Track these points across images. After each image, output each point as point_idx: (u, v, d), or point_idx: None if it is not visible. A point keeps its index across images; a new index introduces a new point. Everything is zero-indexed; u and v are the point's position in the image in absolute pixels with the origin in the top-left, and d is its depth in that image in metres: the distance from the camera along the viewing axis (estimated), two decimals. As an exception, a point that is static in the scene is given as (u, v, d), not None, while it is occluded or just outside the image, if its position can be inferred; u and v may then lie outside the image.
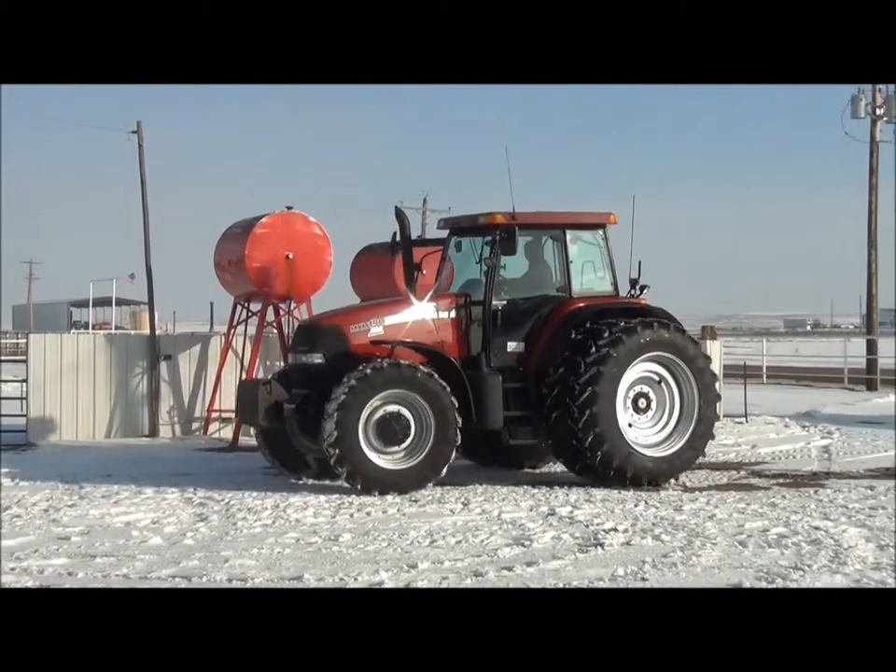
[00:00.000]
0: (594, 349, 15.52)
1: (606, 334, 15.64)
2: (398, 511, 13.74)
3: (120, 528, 12.71)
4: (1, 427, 20.85)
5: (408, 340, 15.83)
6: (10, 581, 9.94)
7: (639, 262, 16.86)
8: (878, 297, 37.92)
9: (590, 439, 15.43)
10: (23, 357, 23.16)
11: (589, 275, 16.84)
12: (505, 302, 16.19)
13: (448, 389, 15.16)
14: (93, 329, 62.93)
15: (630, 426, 15.96)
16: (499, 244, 15.83)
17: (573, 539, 11.91)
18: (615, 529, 12.31)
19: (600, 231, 16.89)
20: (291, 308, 22.49)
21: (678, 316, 16.72)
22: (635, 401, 16.08)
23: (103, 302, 75.97)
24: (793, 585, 9.75)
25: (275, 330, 22.80)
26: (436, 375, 15.18)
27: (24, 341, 26.57)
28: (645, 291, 16.90)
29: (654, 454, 16.00)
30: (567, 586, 9.79)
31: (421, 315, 16.15)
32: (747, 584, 9.82)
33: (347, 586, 9.83)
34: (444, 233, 17.64)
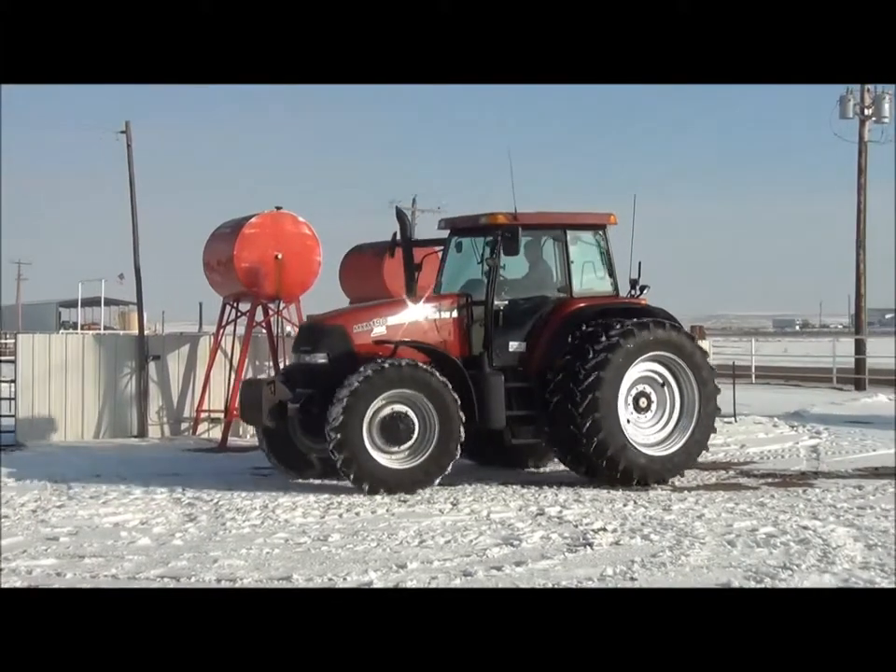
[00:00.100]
0: (604, 338, 15.68)
1: (618, 326, 15.81)
2: (387, 511, 13.74)
3: (109, 529, 12.69)
4: (-10, 427, 20.82)
5: (411, 339, 15.91)
6: (-2, 581, 9.93)
7: (639, 263, 17.03)
8: (867, 297, 38.01)
9: (588, 424, 15.49)
10: (12, 358, 23.11)
11: (589, 276, 16.97)
12: (507, 302, 16.30)
13: (450, 387, 15.23)
14: (82, 329, 62.74)
15: (629, 422, 16.05)
16: (502, 244, 15.92)
17: (562, 538, 11.91)
18: (604, 529, 12.32)
19: (600, 232, 17.02)
20: (280, 308, 22.51)
21: (668, 317, 16.77)
22: (636, 400, 16.19)
23: (91, 303, 75.75)
24: (782, 585, 9.76)
25: (264, 331, 22.79)
26: (438, 373, 15.26)
27: (13, 341, 26.51)
28: (645, 292, 17.04)
29: (653, 452, 16.10)
30: (556, 586, 9.80)
31: (423, 314, 16.25)
32: (735, 584, 9.83)
33: (336, 586, 9.82)
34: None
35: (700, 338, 26.31)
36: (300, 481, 16.08)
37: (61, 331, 55.53)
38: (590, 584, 9.88)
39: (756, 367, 41.00)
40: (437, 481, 15.26)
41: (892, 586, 9.71)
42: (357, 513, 13.57)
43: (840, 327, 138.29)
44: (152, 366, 22.53)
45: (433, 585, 9.88)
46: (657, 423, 16.37)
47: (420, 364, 15.34)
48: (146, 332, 23.73)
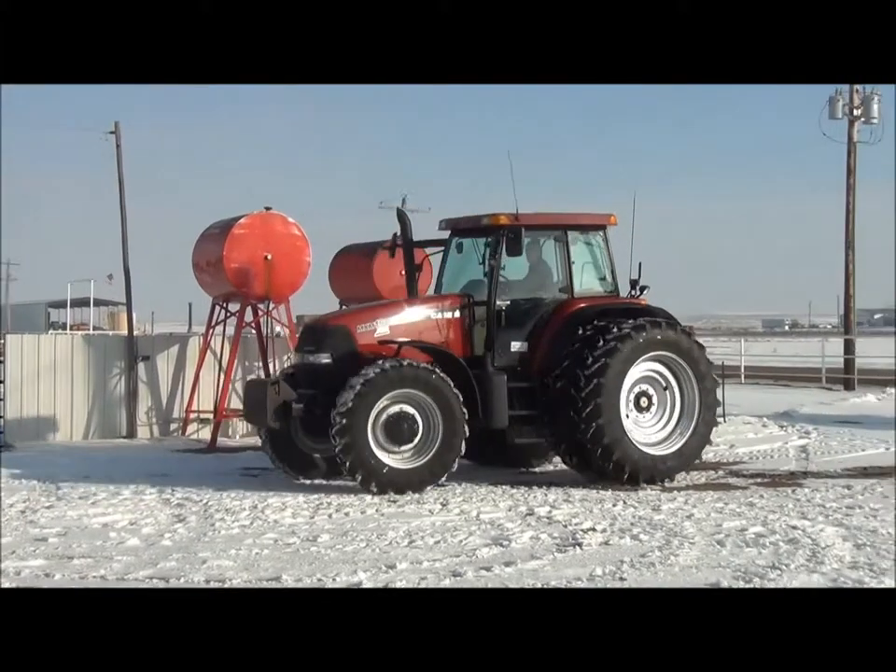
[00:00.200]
0: (601, 342, 15.77)
1: (615, 330, 15.89)
2: (376, 511, 13.74)
3: (98, 529, 12.67)
4: (-22, 428, 20.78)
5: (414, 340, 15.98)
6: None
7: (640, 263, 17.14)
8: (856, 297, 38.05)
9: (592, 430, 15.63)
10: (0, 358, 23.07)
11: (590, 276, 17.12)
12: (508, 303, 16.38)
13: (452, 385, 15.31)
14: (71, 329, 62.56)
15: (629, 419, 16.15)
16: (505, 244, 16.02)
17: (551, 538, 11.92)
18: (593, 529, 12.32)
19: (601, 233, 17.14)
20: (270, 309, 22.50)
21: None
22: (637, 400, 16.30)
23: (80, 303, 75.50)
24: (771, 585, 9.77)
25: (254, 331, 22.77)
26: (440, 372, 15.33)
27: (1, 342, 26.45)
28: (645, 292, 17.15)
29: (656, 451, 16.22)
30: (545, 586, 9.80)
31: (426, 315, 16.34)
32: (724, 584, 9.84)
33: (325, 587, 9.82)
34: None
35: (689, 338, 26.37)
36: (305, 482, 16.12)
37: (50, 332, 55.39)
38: (579, 584, 9.88)
39: (745, 367, 41.01)
40: (443, 478, 15.35)
41: (881, 586, 9.72)
42: (347, 514, 13.56)
43: (829, 327, 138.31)
44: (141, 366, 22.50)
45: (422, 586, 9.88)
46: (658, 421, 16.53)
47: (423, 364, 15.42)
48: (135, 333, 23.70)
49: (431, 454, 15.25)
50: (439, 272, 17.45)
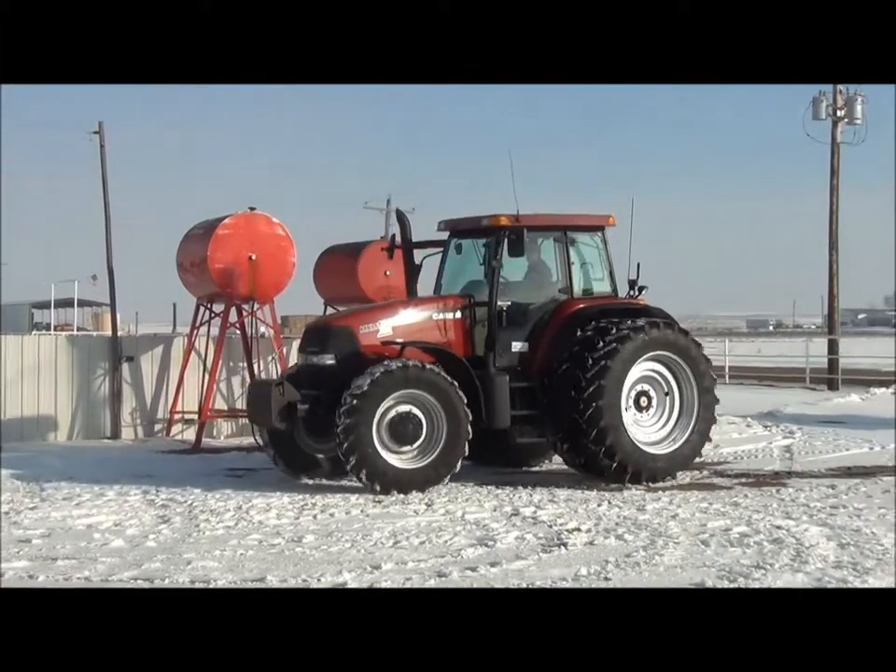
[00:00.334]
0: (601, 344, 15.88)
1: (613, 331, 16.00)
2: (361, 511, 13.73)
3: (82, 531, 12.64)
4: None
5: (417, 340, 16.06)
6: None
7: (638, 264, 17.28)
8: (839, 297, 38.16)
9: (594, 433, 15.71)
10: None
11: (589, 276, 17.25)
12: (509, 303, 16.49)
13: (456, 385, 15.39)
14: (55, 330, 62.44)
15: (631, 420, 16.26)
16: (507, 245, 16.15)
17: (536, 539, 11.92)
18: (578, 529, 12.33)
19: (599, 233, 17.26)
20: (254, 309, 22.46)
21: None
22: (637, 399, 16.41)
23: (64, 304, 75.34)
24: (755, 584, 9.78)
25: (238, 331, 22.74)
26: (443, 372, 15.42)
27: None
28: (643, 292, 17.26)
29: (657, 450, 16.35)
30: (530, 586, 9.80)
31: (428, 315, 16.44)
32: (709, 583, 9.86)
33: (310, 587, 9.81)
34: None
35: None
36: (308, 482, 16.15)
37: (33, 332, 55.24)
38: (564, 584, 9.89)
39: (730, 367, 41.02)
40: (447, 478, 15.44)
41: (864, 586, 9.75)
42: (332, 514, 13.55)
43: (813, 327, 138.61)
44: (125, 367, 22.44)
45: (407, 586, 9.88)
46: (658, 420, 16.67)
47: (427, 364, 15.49)
48: (119, 333, 23.64)
49: (436, 454, 15.35)
50: (438, 272, 17.56)
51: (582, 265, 17.16)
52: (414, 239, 17.87)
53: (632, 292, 17.24)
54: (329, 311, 24.87)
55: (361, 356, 15.62)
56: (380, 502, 14.39)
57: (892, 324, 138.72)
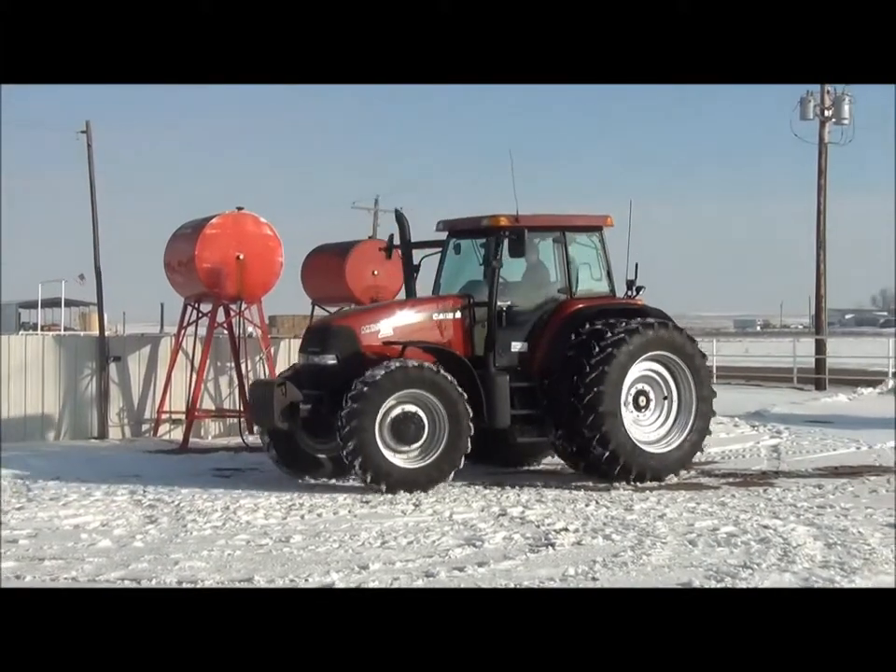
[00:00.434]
0: (609, 334, 16.02)
1: (608, 335, 16.10)
2: (349, 512, 13.72)
3: (69, 531, 12.61)
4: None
5: (418, 340, 16.13)
6: (-43, 584, 9.83)
7: (636, 264, 17.34)
8: (827, 297, 38.24)
9: (596, 438, 15.81)
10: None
11: (587, 277, 17.32)
12: (509, 303, 16.56)
13: (455, 383, 15.45)
14: (42, 330, 62.28)
15: (630, 419, 16.37)
16: (508, 246, 16.23)
17: (524, 539, 11.93)
18: (566, 529, 12.33)
19: (597, 234, 17.35)
20: (242, 309, 22.42)
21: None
22: (635, 399, 16.51)
23: (52, 304, 75.20)
24: (743, 584, 9.80)
25: (226, 331, 22.70)
26: (442, 370, 15.48)
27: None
28: (641, 292, 17.34)
29: (654, 449, 16.45)
30: (518, 586, 9.80)
31: (429, 315, 16.51)
32: (696, 583, 9.87)
33: (298, 587, 9.80)
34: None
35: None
36: (311, 481, 16.18)
37: (20, 332, 55.14)
38: (552, 584, 9.89)
39: (717, 367, 41.03)
40: (450, 476, 15.52)
41: (851, 585, 9.76)
42: (319, 514, 13.54)
43: (801, 327, 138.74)
44: (113, 367, 22.40)
45: (395, 586, 9.87)
46: (656, 420, 16.76)
47: (428, 364, 15.55)
48: (106, 333, 23.58)
49: (438, 452, 15.42)
50: (436, 273, 17.64)
51: (581, 265, 17.25)
52: (413, 239, 17.92)
53: (630, 292, 17.32)
54: (318, 311, 24.90)
55: (362, 356, 15.69)
56: (367, 502, 14.38)
57: (879, 324, 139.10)
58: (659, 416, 16.78)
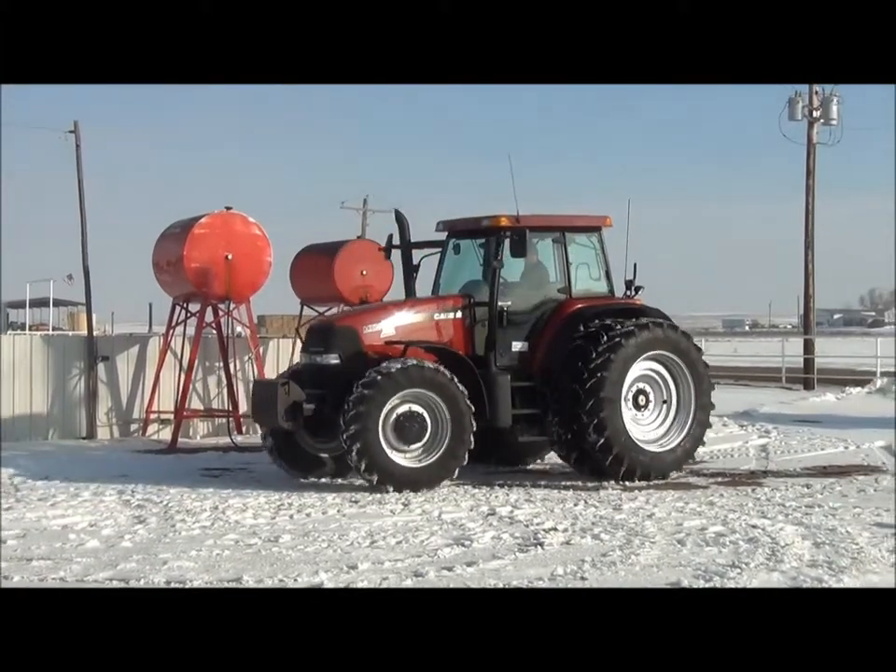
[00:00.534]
0: (605, 338, 16.11)
1: (619, 327, 16.25)
2: (338, 511, 13.72)
3: (57, 531, 12.59)
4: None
5: (420, 340, 16.19)
6: (-56, 585, 9.81)
7: (635, 264, 17.44)
8: (815, 297, 38.35)
9: (594, 423, 15.89)
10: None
11: (586, 277, 17.39)
12: (509, 303, 16.61)
13: (456, 380, 15.51)
14: (30, 330, 62.14)
15: (629, 419, 16.45)
16: (510, 246, 16.31)
17: (513, 538, 11.93)
18: (555, 529, 12.34)
19: (596, 234, 17.43)
20: (230, 309, 22.41)
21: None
22: (635, 397, 16.61)
23: (40, 303, 75.06)
24: (731, 584, 9.80)
25: (214, 331, 22.69)
26: (442, 368, 15.55)
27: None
28: (640, 292, 17.42)
29: (653, 449, 16.54)
30: (506, 586, 9.80)
31: (429, 315, 16.58)
32: (685, 583, 9.87)
33: (287, 587, 9.79)
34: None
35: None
36: (312, 480, 16.22)
37: (8, 332, 55.03)
38: (540, 584, 9.89)
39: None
40: (455, 473, 15.61)
41: (840, 585, 9.78)
42: (308, 514, 13.53)
43: (789, 327, 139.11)
44: (101, 367, 22.37)
45: (384, 586, 9.87)
46: (654, 420, 16.85)
47: (429, 364, 15.61)
48: (95, 333, 23.52)
49: (441, 451, 15.48)
50: (436, 273, 17.71)
51: (580, 265, 17.31)
52: (413, 239, 17.95)
53: (629, 292, 17.40)
54: (307, 311, 24.89)
55: (365, 355, 15.76)
56: (356, 502, 14.38)
57: (867, 324, 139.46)
58: (658, 417, 16.86)
